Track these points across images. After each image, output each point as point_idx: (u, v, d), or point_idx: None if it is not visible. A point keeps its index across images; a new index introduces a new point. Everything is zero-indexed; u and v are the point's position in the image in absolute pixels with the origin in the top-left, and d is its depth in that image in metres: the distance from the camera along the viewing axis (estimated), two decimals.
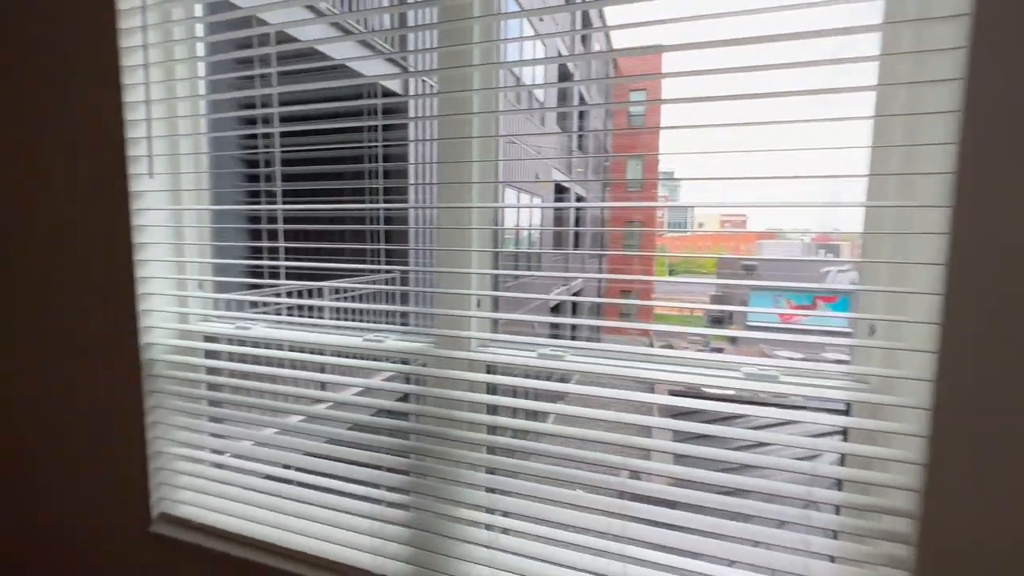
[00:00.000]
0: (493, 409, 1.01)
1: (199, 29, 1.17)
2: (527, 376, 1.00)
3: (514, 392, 1.01)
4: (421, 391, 1.02)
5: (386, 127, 1.08)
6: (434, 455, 1.01)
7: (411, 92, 4.26)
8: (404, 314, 1.10)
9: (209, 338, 1.24)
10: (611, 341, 1.10)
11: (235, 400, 1.18)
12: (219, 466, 1.21)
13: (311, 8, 1.84)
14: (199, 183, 1.23)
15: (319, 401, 1.21)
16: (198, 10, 1.16)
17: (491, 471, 1.01)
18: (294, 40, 1.09)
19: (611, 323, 1.03)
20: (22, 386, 1.38)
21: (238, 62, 1.13)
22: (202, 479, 1.22)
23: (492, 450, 1.02)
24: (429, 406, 1.03)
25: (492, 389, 1.04)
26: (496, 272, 1.04)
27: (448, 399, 1.00)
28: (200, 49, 1.19)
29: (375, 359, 1.09)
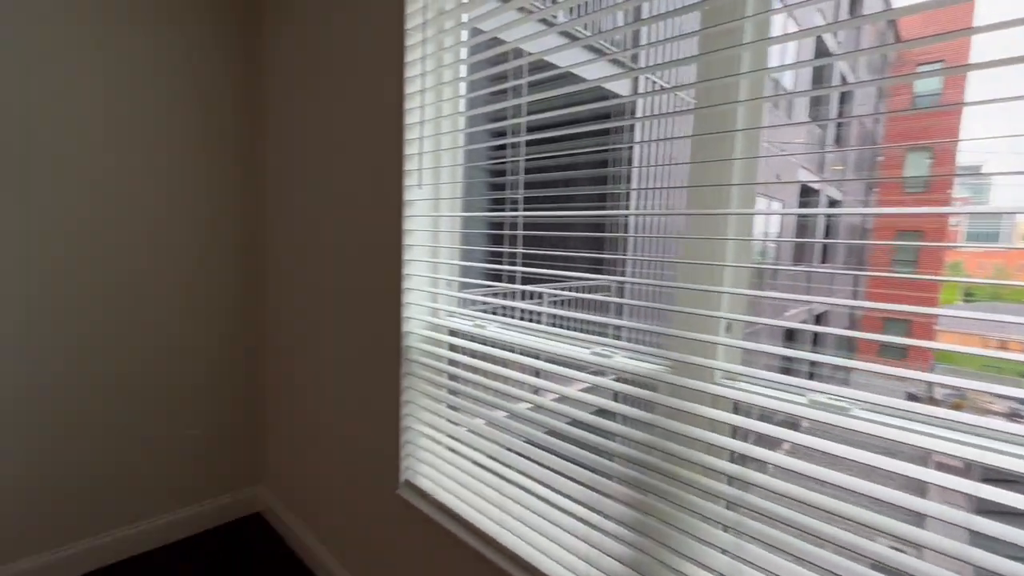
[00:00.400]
0: (737, 456, 0.84)
1: (463, 53, 1.30)
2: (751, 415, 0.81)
3: (733, 433, 0.84)
4: (652, 419, 0.92)
5: (609, 131, 1.02)
6: (658, 493, 0.90)
7: (640, 91, 4.13)
8: (619, 328, 1.02)
9: (452, 332, 1.37)
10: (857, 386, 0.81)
11: (467, 392, 1.28)
12: (452, 450, 1.32)
13: (544, 22, 1.90)
14: (454, 192, 1.37)
15: (542, 407, 1.22)
16: (464, 35, 1.28)
17: (726, 528, 0.84)
18: (529, 54, 1.11)
19: (907, 372, 0.73)
20: (313, 362, 1.78)
21: (491, 79, 1.21)
22: (439, 459, 1.36)
23: (730, 504, 0.85)
24: (657, 437, 0.92)
25: (734, 431, 0.86)
26: (752, 293, 0.86)
27: (683, 435, 0.87)
28: (462, 71, 1.31)
29: (601, 374, 1.03)
